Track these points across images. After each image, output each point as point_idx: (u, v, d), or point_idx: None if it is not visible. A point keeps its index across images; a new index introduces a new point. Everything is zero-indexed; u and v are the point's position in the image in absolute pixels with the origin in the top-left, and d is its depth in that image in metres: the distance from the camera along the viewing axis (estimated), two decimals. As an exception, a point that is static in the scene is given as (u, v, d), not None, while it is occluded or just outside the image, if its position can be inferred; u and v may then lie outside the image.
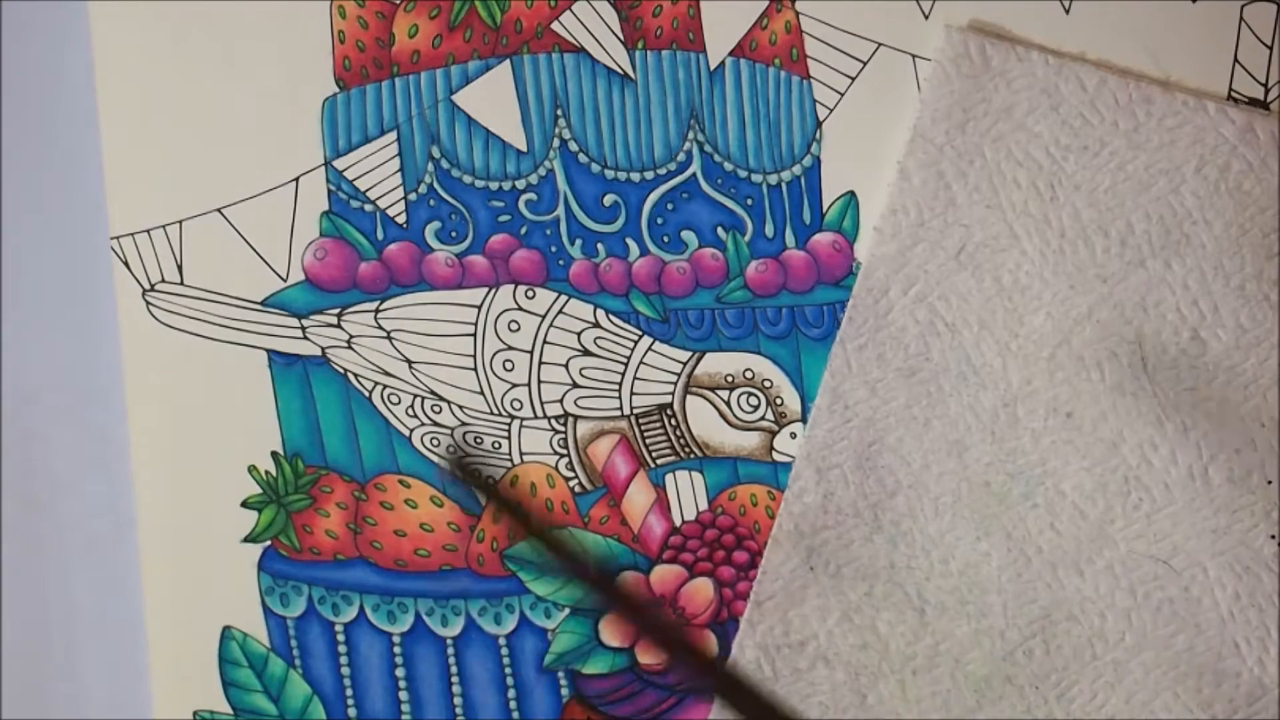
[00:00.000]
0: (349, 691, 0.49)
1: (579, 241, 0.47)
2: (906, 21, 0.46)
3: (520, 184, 0.47)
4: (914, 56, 0.46)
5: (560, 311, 0.47)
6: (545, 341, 0.47)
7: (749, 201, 0.47)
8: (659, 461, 0.48)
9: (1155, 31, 0.45)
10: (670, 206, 0.47)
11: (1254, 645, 0.46)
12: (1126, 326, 0.45)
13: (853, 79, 0.46)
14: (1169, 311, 0.45)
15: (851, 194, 0.46)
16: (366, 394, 0.48)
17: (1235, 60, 0.45)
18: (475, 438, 0.48)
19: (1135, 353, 0.45)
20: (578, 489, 0.48)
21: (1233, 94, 0.45)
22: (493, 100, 0.46)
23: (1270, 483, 0.45)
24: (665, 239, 0.47)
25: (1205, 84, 0.45)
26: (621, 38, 0.46)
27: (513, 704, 0.49)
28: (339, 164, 0.47)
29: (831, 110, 0.46)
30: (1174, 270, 0.45)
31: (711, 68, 0.46)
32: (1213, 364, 0.45)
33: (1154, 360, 0.45)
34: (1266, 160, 0.44)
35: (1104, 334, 0.45)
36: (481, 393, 0.48)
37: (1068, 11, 0.45)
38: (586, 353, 0.47)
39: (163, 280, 0.48)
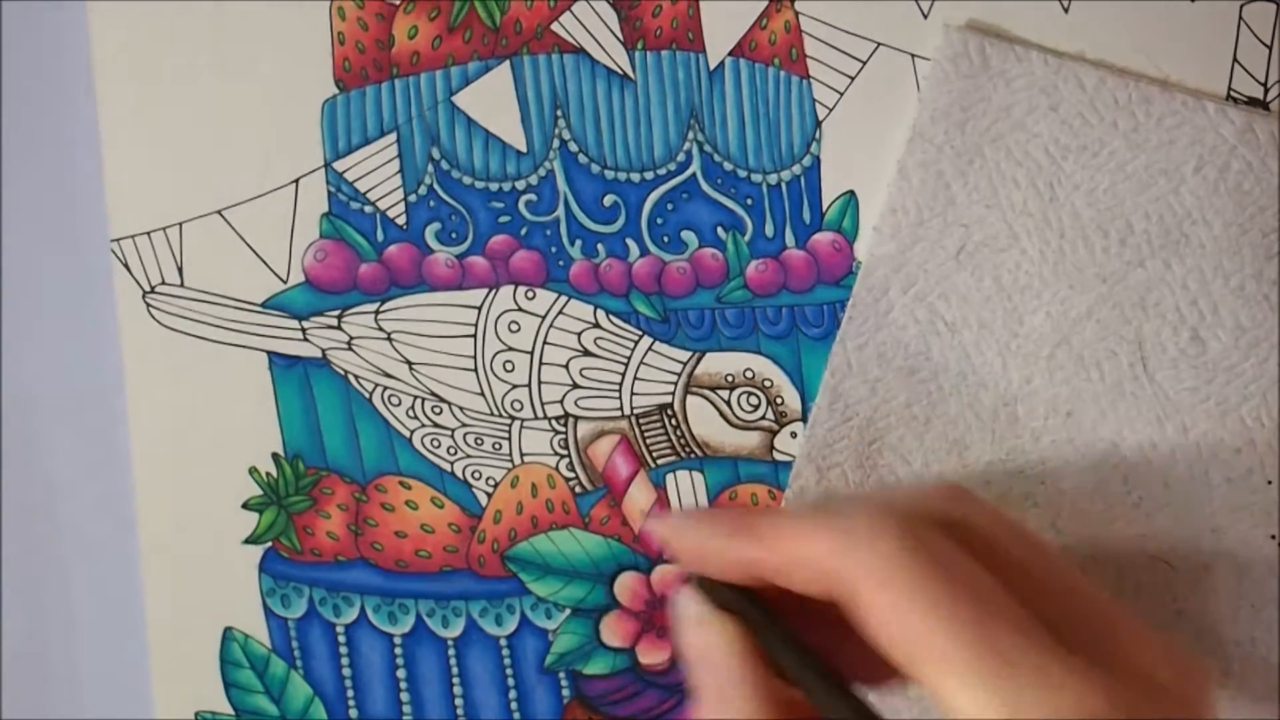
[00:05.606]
0: (350, 692, 0.49)
1: (579, 242, 0.47)
2: (905, 21, 0.46)
3: (520, 184, 0.47)
4: (913, 56, 0.46)
5: (560, 312, 0.47)
6: (545, 342, 0.47)
7: (749, 201, 0.46)
8: (659, 461, 0.48)
9: (1154, 31, 0.45)
10: (670, 206, 0.47)
11: (1257, 646, 0.46)
12: (1126, 326, 0.45)
13: (852, 78, 0.46)
14: (1168, 311, 0.45)
15: (851, 193, 0.46)
16: (367, 395, 0.48)
17: (1234, 60, 0.45)
18: (476, 439, 0.48)
19: (1135, 352, 0.45)
20: (578, 489, 0.48)
21: (1232, 94, 0.45)
22: (493, 101, 0.46)
23: (1270, 483, 0.45)
24: (665, 239, 0.47)
25: (1204, 84, 0.45)
26: (621, 38, 0.46)
27: (514, 705, 0.49)
28: (339, 166, 0.47)
29: (831, 110, 0.46)
30: (1173, 270, 0.45)
31: (711, 67, 0.46)
32: (1212, 364, 0.45)
33: (1154, 360, 0.45)
34: (1266, 160, 0.44)
35: (1103, 333, 0.45)
36: (482, 394, 0.48)
37: (1066, 10, 0.45)
38: (587, 353, 0.47)
39: (163, 282, 0.48)
